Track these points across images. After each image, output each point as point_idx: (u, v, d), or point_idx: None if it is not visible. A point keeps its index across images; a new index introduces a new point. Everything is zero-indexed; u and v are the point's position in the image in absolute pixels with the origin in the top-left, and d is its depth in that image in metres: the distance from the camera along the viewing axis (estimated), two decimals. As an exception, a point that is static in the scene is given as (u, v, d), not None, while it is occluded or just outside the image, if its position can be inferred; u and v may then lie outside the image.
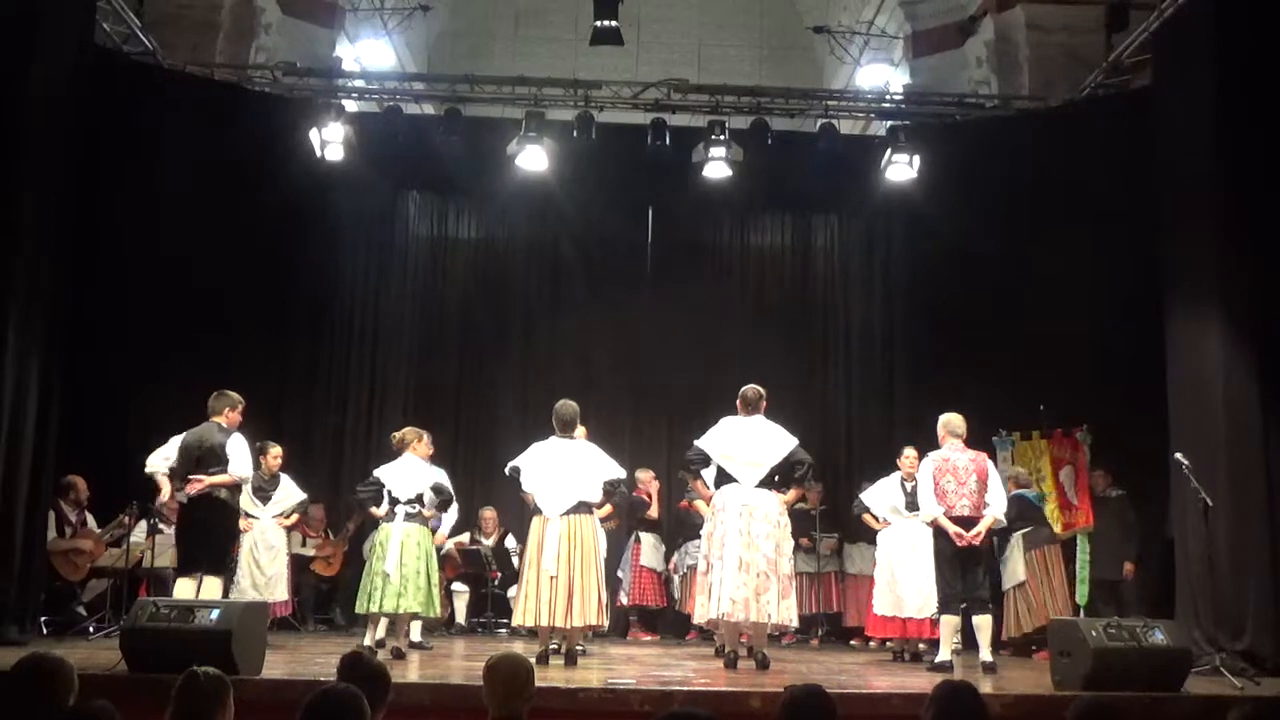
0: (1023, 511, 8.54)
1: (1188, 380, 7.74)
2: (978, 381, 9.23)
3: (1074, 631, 5.83)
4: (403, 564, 7.17)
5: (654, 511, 10.04)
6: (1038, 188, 9.73)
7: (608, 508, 7.60)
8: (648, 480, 10.10)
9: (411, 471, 7.46)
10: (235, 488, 7.11)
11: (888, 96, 11.78)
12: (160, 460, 7.02)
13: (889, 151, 10.03)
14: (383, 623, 7.28)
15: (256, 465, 7.81)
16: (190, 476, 6.93)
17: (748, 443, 6.88)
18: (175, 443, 7.05)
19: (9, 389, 7.16)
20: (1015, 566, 8.57)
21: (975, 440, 7.36)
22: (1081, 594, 8.84)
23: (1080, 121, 9.74)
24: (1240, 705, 3.34)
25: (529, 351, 11.31)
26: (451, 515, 8.69)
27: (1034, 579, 8.58)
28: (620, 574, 9.97)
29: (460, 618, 9.96)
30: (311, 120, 9.85)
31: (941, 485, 7.03)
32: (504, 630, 9.67)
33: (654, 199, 11.10)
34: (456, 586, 9.99)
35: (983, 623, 6.97)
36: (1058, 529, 8.90)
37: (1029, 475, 9.05)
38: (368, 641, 7.21)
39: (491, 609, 9.89)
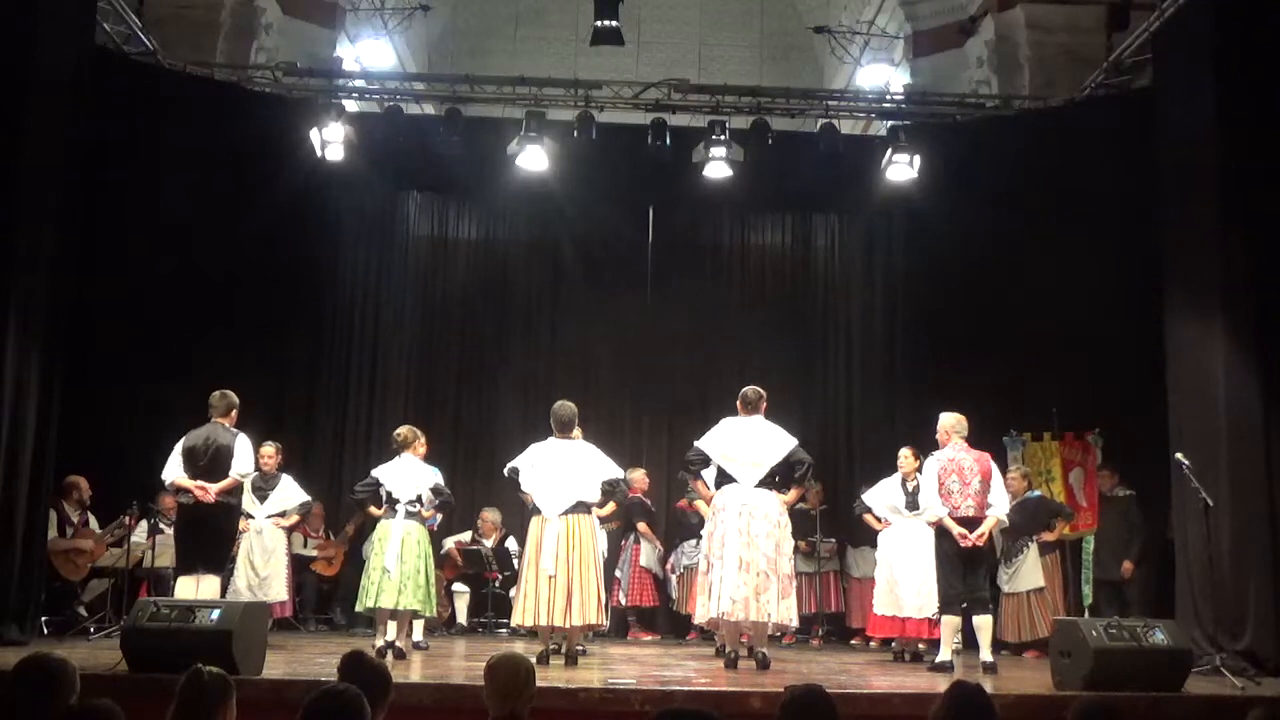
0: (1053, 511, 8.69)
1: (1189, 380, 7.73)
2: (978, 381, 9.23)
3: (1075, 631, 5.83)
4: (402, 560, 7.17)
5: (647, 527, 10.00)
6: (1038, 187, 9.71)
7: (610, 507, 7.59)
8: (640, 480, 10.06)
9: (409, 472, 7.46)
10: (237, 487, 7.11)
11: (888, 96, 11.77)
12: (177, 469, 7.04)
13: (889, 151, 10.00)
14: (391, 625, 7.25)
15: (255, 466, 7.82)
16: (197, 482, 6.95)
17: (747, 443, 6.89)
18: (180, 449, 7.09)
19: (9, 389, 7.14)
20: (1031, 571, 8.57)
21: (975, 440, 7.36)
22: (1087, 594, 8.84)
23: (1080, 121, 9.73)
24: (1264, 704, 3.32)
25: (529, 351, 11.30)
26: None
27: (1050, 583, 8.63)
28: (619, 573, 9.96)
29: (460, 618, 9.96)
30: (311, 120, 9.84)
31: (946, 485, 7.01)
32: (504, 630, 9.65)
33: (654, 199, 11.08)
34: (457, 587, 9.98)
35: (983, 623, 6.96)
36: (1066, 530, 8.91)
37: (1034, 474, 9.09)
38: (379, 642, 7.12)
39: (492, 609, 9.88)
